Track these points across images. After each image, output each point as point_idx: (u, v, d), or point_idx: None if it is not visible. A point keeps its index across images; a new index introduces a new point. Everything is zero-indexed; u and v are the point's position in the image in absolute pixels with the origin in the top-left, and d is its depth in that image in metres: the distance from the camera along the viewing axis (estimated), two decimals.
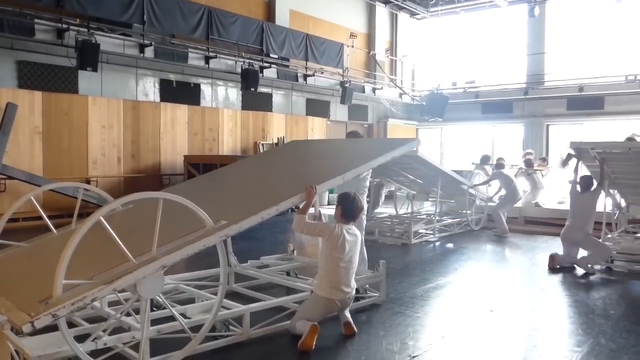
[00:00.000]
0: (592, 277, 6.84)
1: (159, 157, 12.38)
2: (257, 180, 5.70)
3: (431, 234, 9.74)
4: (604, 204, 7.93)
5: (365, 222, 6.22)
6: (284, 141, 14.40)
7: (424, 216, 10.92)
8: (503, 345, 4.35)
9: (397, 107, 19.17)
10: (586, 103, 15.66)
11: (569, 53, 16.55)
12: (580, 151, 7.56)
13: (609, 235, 7.83)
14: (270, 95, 15.06)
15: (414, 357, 3.99)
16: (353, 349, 4.15)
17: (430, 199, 11.31)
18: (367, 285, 5.42)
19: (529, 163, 11.77)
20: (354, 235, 4.45)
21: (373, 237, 9.40)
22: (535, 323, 4.99)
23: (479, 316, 5.17)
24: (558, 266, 7.20)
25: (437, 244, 9.35)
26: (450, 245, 9.25)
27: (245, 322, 4.18)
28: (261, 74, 13.43)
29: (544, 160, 13.06)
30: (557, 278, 6.82)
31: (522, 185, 11.15)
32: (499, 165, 10.61)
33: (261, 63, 13.53)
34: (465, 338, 4.52)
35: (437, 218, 10.11)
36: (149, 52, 11.54)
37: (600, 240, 7.37)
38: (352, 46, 16.98)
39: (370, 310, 5.12)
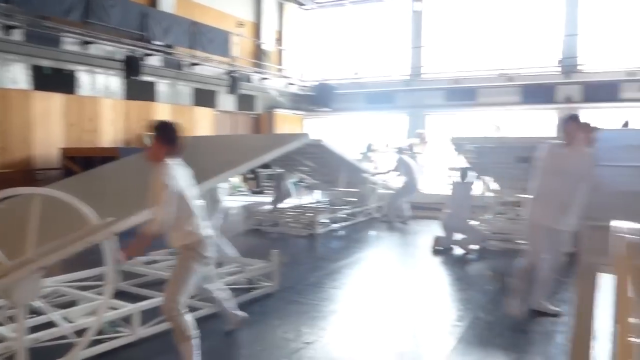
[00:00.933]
0: (470, 256, 7.37)
1: (32, 151, 11.43)
2: (146, 177, 5.48)
3: (335, 223, 9.83)
4: (480, 189, 8.61)
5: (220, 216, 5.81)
6: None
7: (328, 206, 11.02)
8: (392, 323, 4.56)
9: (285, 98, 19.24)
10: (461, 95, 16.73)
11: (446, 47, 17.54)
12: (459, 145, 8.32)
13: (484, 217, 8.49)
14: (155, 84, 14.45)
15: (308, 343, 4.05)
16: (248, 341, 4.13)
17: (333, 189, 11.39)
18: (260, 276, 5.42)
19: (410, 147, 12.25)
20: (182, 167, 3.59)
21: (278, 228, 9.38)
22: (422, 301, 5.28)
23: (369, 299, 5.37)
24: (441, 247, 7.67)
25: (340, 232, 9.48)
26: (351, 233, 9.44)
27: (134, 321, 4.01)
28: (145, 62, 12.83)
29: (422, 138, 13.67)
30: (440, 259, 7.27)
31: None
32: (401, 150, 10.85)
33: (144, 50, 12.92)
34: (357, 321, 4.68)
35: (341, 207, 10.26)
36: (18, 35, 10.55)
37: (477, 222, 7.99)
38: (240, 35, 16.74)
39: (264, 300, 5.13)
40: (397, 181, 10.87)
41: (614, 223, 1.64)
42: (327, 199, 11.89)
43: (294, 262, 6.81)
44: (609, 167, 2.91)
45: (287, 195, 11.06)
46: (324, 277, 6.18)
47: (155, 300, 4.37)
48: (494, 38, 16.61)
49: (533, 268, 4.53)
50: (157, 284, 5.39)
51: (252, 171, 15.77)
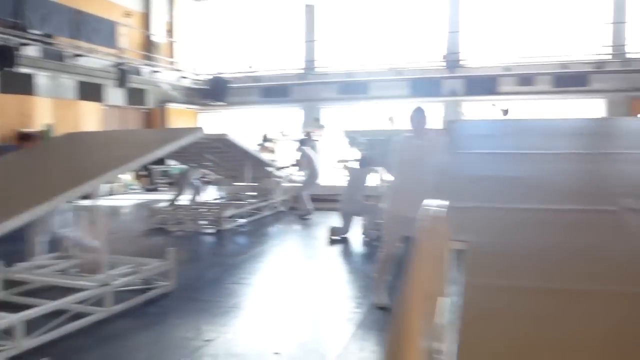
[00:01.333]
0: (365, 244, 7.61)
1: None
2: (27, 176, 5.10)
3: (242, 218, 9.59)
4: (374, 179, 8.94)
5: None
6: (52, 129, 13.00)
7: (234, 201, 10.73)
8: (293, 314, 4.61)
9: (178, 91, 18.67)
10: (354, 88, 17.18)
11: (339, 41, 17.90)
12: (352, 138, 8.76)
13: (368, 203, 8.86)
14: (33, 77, 13.41)
15: (209, 340, 3.99)
16: (146, 343, 3.99)
17: (238, 183, 11.03)
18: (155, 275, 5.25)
19: (308, 135, 12.32)
20: None
21: (183, 226, 9.00)
22: (321, 291, 5.38)
23: (269, 292, 5.38)
24: (338, 237, 7.84)
25: (247, 228, 9.29)
26: (257, 228, 9.31)
27: (17, 333, 3.71)
28: (21, 52, 11.85)
29: (319, 123, 13.81)
30: (337, 249, 7.44)
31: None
32: (304, 142, 10.79)
33: (19, 39, 11.93)
34: (258, 314, 4.67)
35: (246, 202, 10.08)
36: None
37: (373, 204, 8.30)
38: (128, 26, 15.99)
39: (161, 300, 4.97)
40: (300, 174, 10.91)
41: (427, 201, 1.79)
42: (225, 195, 11.64)
43: (193, 259, 6.68)
44: (459, 154, 3.19)
45: (198, 192, 10.70)
46: (223, 273, 6.10)
47: (41, 308, 4.09)
48: (384, 33, 17.21)
49: (391, 258, 4.73)
50: (44, 291, 5.04)
51: (145, 168, 15.18)
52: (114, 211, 11.73)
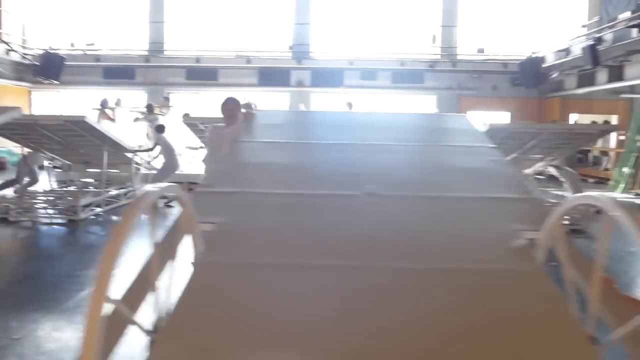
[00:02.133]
0: None
1: None
2: None
3: (98, 207, 8.80)
4: None
5: None
6: None
7: (89, 188, 9.70)
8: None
9: (4, 66, 16.79)
10: (203, 74, 16.82)
11: (188, 25, 17.38)
12: (191, 125, 8.95)
13: None
14: None
15: (16, 339, 3.68)
16: None
17: (91, 169, 9.98)
18: None
19: (150, 108, 11.72)
20: None
21: (30, 215, 8.04)
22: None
23: (94, 284, 5.09)
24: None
25: (102, 217, 8.56)
26: (112, 217, 8.64)
27: None
28: None
29: (166, 100, 13.29)
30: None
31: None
32: (160, 128, 10.23)
33: None
34: (79, 309, 4.41)
35: (104, 189, 9.26)
36: None
37: None
38: None
39: None
40: (156, 161, 10.39)
41: (150, 184, 1.92)
42: (67, 181, 10.58)
43: (17, 252, 6.14)
44: (244, 142, 3.33)
45: (35, 179, 9.54)
46: (49, 266, 5.66)
47: None
48: (234, 19, 17.08)
49: None
50: None
51: None
52: None
